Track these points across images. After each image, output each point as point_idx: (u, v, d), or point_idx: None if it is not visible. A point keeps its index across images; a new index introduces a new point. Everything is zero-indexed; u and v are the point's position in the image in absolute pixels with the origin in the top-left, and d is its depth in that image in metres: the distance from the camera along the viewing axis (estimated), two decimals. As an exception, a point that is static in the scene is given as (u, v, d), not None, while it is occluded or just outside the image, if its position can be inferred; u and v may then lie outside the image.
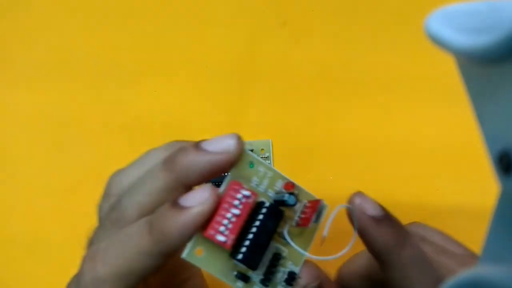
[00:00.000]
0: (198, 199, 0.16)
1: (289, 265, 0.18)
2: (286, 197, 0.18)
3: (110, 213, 0.18)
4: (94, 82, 0.37)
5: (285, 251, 0.18)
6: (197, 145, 0.17)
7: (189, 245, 0.16)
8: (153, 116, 0.36)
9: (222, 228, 0.16)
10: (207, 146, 0.17)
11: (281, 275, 0.18)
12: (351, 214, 0.19)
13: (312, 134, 0.34)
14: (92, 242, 0.19)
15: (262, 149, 0.19)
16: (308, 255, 0.18)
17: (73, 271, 0.33)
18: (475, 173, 0.33)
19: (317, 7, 0.38)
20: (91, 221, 0.34)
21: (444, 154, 0.34)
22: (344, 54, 0.37)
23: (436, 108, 0.35)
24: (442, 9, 0.12)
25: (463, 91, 0.14)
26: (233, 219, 0.16)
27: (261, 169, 0.18)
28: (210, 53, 0.37)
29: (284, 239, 0.18)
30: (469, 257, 0.23)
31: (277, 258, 0.18)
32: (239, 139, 0.17)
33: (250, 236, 0.17)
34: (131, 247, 0.16)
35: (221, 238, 0.16)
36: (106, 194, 0.20)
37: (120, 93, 0.36)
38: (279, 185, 0.18)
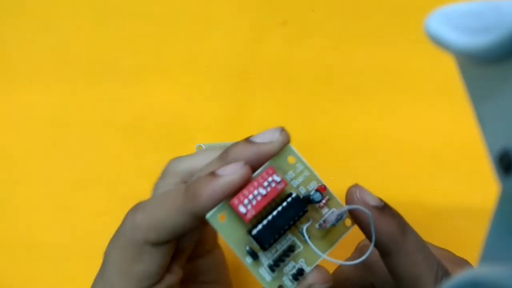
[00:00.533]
0: (230, 170, 0.18)
1: (300, 262, 0.19)
2: (313, 193, 0.19)
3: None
4: (94, 82, 0.37)
5: (300, 247, 0.19)
6: (247, 139, 0.19)
7: (215, 209, 0.18)
8: (153, 115, 0.36)
9: (246, 201, 0.17)
10: (255, 138, 0.19)
11: (289, 268, 0.19)
12: (364, 219, 0.19)
13: (312, 133, 0.35)
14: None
15: (291, 158, 0.20)
16: (324, 256, 0.19)
17: (73, 270, 0.33)
18: (475, 173, 0.33)
19: (317, 6, 0.38)
20: (91, 221, 0.34)
21: (444, 154, 0.34)
22: (344, 54, 0.37)
23: (436, 107, 0.35)
24: (442, 9, 0.12)
25: (463, 91, 0.14)
26: (258, 198, 0.18)
27: (300, 166, 0.19)
28: (210, 53, 0.37)
29: (302, 235, 0.19)
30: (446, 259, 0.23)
31: (291, 250, 0.19)
32: (283, 131, 0.19)
33: (269, 217, 0.18)
34: (168, 203, 0.18)
35: (242, 209, 0.17)
36: (164, 175, 0.22)
37: (120, 93, 0.36)
38: (312, 186, 0.19)
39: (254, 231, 0.18)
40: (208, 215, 0.18)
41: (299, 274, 0.18)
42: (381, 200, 0.19)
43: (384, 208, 0.19)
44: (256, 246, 0.18)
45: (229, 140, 0.33)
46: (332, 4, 0.38)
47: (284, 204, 0.18)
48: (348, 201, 0.19)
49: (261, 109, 0.36)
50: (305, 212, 0.19)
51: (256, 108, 0.36)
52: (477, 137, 0.13)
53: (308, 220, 0.19)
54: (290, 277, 0.18)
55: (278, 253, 0.18)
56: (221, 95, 0.36)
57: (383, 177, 0.33)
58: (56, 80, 0.37)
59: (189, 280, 0.22)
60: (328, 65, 0.36)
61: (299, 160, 0.19)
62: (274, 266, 0.18)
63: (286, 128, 0.19)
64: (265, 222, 0.18)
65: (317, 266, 0.19)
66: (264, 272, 0.18)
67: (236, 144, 0.19)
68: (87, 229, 0.33)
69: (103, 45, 0.38)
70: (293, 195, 0.18)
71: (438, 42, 0.12)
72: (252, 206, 0.17)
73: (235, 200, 0.17)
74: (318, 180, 0.20)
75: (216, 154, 0.20)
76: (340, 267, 0.23)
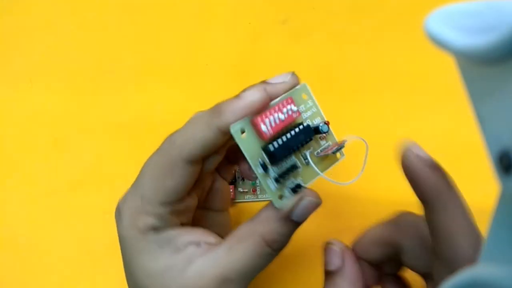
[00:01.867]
0: (251, 92, 0.21)
1: (298, 179, 0.22)
2: (321, 125, 0.22)
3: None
4: (94, 81, 0.37)
5: (300, 168, 0.22)
6: (264, 80, 0.22)
7: (238, 124, 0.20)
8: (153, 114, 0.36)
9: (267, 122, 0.20)
10: (270, 80, 0.22)
11: (289, 183, 0.22)
12: (413, 170, 0.21)
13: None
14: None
15: (304, 95, 0.23)
16: (320, 173, 0.22)
17: (73, 270, 0.33)
18: (475, 172, 0.32)
19: (317, 5, 0.38)
20: (91, 221, 0.34)
21: (444, 154, 0.33)
22: (344, 53, 0.37)
23: (436, 107, 0.35)
24: (442, 9, 0.12)
25: (463, 91, 0.14)
26: (277, 121, 0.21)
27: (310, 103, 0.23)
28: (210, 52, 0.37)
29: (305, 158, 0.22)
30: None
31: (293, 169, 0.22)
32: (293, 74, 0.22)
33: (284, 138, 0.21)
34: (198, 121, 0.21)
35: (263, 128, 0.20)
36: (160, 150, 0.24)
37: (121, 93, 0.36)
38: (317, 121, 0.23)
39: (271, 147, 0.21)
40: (232, 130, 0.20)
41: (297, 187, 0.22)
42: (434, 160, 0.20)
43: (434, 164, 0.20)
44: (267, 161, 0.21)
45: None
46: (332, 2, 0.38)
47: (297, 129, 0.21)
48: (402, 156, 0.21)
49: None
50: (311, 139, 0.22)
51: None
52: (477, 137, 0.13)
53: (309, 148, 0.23)
54: (289, 189, 0.22)
55: (282, 169, 0.22)
56: (221, 94, 0.36)
57: (383, 176, 0.33)
58: (57, 80, 0.37)
59: (199, 224, 0.25)
60: (328, 63, 0.36)
61: (310, 97, 0.23)
62: (279, 178, 0.21)
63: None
64: (280, 141, 0.21)
65: (312, 190, 0.22)
66: (270, 183, 0.21)
67: (252, 85, 0.22)
68: (87, 228, 0.33)
69: (103, 45, 0.38)
70: (305, 124, 0.22)
71: (438, 42, 0.12)
72: (272, 128, 0.20)
73: (258, 119, 0.20)
74: (322, 117, 0.23)
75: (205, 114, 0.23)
76: (372, 228, 0.25)
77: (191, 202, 0.23)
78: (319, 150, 0.23)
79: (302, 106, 0.22)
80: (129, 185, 0.35)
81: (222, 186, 0.26)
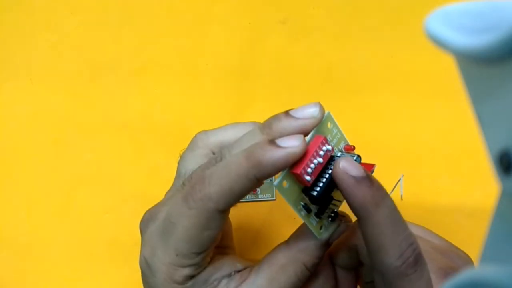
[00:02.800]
0: (293, 143, 0.20)
1: (335, 204, 0.23)
2: (355, 157, 0.22)
3: (212, 157, 0.23)
4: (95, 80, 0.37)
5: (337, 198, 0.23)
6: (287, 113, 0.21)
7: (280, 177, 0.20)
8: (153, 114, 0.36)
9: (309, 170, 0.21)
10: (296, 114, 0.21)
11: (329, 212, 0.23)
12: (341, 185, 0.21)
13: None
14: (190, 178, 0.22)
15: (329, 124, 0.23)
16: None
17: (73, 270, 0.33)
18: (475, 172, 0.33)
19: (317, 4, 0.38)
20: (92, 219, 0.34)
21: (444, 153, 0.34)
22: (344, 52, 0.37)
23: (436, 107, 0.35)
24: (442, 8, 0.12)
25: (463, 91, 0.14)
26: (317, 165, 0.21)
27: (335, 130, 0.23)
28: (210, 51, 0.37)
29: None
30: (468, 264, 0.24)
31: (331, 201, 0.22)
32: (321, 107, 0.21)
33: (324, 180, 0.21)
34: (232, 171, 0.20)
35: (307, 178, 0.20)
36: (192, 147, 0.24)
37: (121, 92, 0.36)
38: (342, 145, 0.23)
39: (314, 193, 0.21)
40: (276, 183, 0.20)
41: (333, 214, 0.22)
42: (365, 171, 0.21)
43: (362, 179, 0.20)
44: (308, 201, 0.22)
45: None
46: (332, 2, 0.38)
47: (332, 166, 0.22)
48: (333, 173, 0.21)
49: (261, 107, 0.36)
50: None
51: (256, 106, 0.36)
52: (477, 137, 0.13)
53: None
54: (328, 219, 0.23)
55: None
56: (221, 93, 0.36)
57: (383, 176, 0.33)
58: (57, 79, 0.37)
59: None
60: (328, 63, 0.36)
61: (334, 125, 0.23)
62: (319, 214, 0.22)
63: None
64: (321, 184, 0.21)
65: (346, 214, 0.23)
66: (312, 220, 0.22)
67: (277, 117, 0.22)
68: (88, 227, 0.33)
69: (103, 44, 0.38)
70: (338, 155, 0.22)
71: (438, 42, 0.12)
72: (313, 173, 0.21)
73: (301, 171, 0.20)
74: (345, 140, 0.23)
75: (243, 128, 0.23)
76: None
77: (219, 236, 0.23)
78: None
79: (329, 136, 0.22)
80: (129, 184, 0.35)
81: None
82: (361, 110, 0.35)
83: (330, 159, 0.22)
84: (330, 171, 0.21)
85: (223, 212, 0.21)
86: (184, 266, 0.22)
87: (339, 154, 0.23)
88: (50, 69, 0.37)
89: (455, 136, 0.34)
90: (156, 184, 0.35)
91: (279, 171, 0.20)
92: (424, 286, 0.20)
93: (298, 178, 0.21)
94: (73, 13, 0.39)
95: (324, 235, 0.22)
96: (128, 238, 0.32)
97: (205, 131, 0.25)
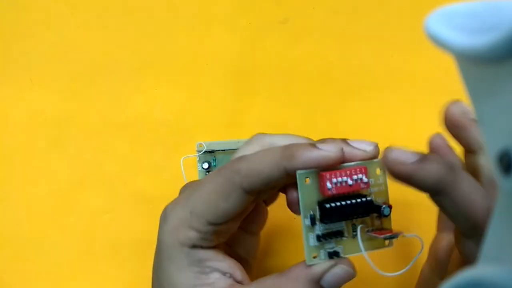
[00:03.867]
0: (329, 147, 0.21)
1: (339, 246, 0.22)
2: (384, 207, 0.22)
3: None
4: (93, 81, 0.37)
5: (346, 238, 0.22)
6: (344, 139, 0.22)
7: (306, 172, 0.21)
8: (153, 114, 0.36)
9: (334, 180, 0.21)
10: (352, 142, 0.22)
11: (329, 246, 0.22)
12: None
13: (312, 131, 0.34)
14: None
15: (378, 170, 0.23)
16: (364, 252, 0.22)
17: (73, 270, 0.33)
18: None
19: (317, 5, 0.38)
20: (92, 220, 0.34)
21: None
22: (344, 53, 0.37)
23: (436, 107, 0.35)
24: (442, 9, 0.12)
25: (463, 91, 0.14)
26: (344, 184, 0.21)
27: (381, 180, 0.23)
28: (210, 51, 0.37)
29: (355, 231, 0.22)
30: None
31: (338, 234, 0.22)
32: (376, 147, 0.22)
33: (344, 202, 0.21)
34: (267, 157, 0.21)
35: (329, 184, 0.21)
36: (251, 142, 0.25)
37: (120, 92, 0.36)
38: (380, 200, 0.23)
39: (328, 205, 0.21)
40: (299, 172, 0.21)
41: (334, 254, 0.22)
42: (417, 153, 0.21)
43: (422, 159, 0.20)
44: (317, 215, 0.21)
45: (229, 138, 0.34)
46: (333, 2, 0.38)
47: (359, 200, 0.21)
48: (383, 157, 0.21)
49: (262, 107, 0.36)
50: (368, 216, 0.22)
51: (256, 106, 0.36)
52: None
53: (363, 223, 0.22)
54: (326, 253, 0.22)
55: (328, 230, 0.22)
56: (221, 93, 0.36)
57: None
58: (57, 79, 0.37)
59: (229, 241, 0.26)
60: (329, 63, 0.36)
61: (383, 175, 0.23)
62: (320, 238, 0.21)
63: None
64: (339, 203, 0.21)
65: (348, 259, 0.22)
66: (311, 237, 0.21)
67: (333, 139, 0.22)
68: (88, 228, 0.33)
69: (103, 44, 0.38)
70: (369, 198, 0.22)
71: (438, 42, 0.12)
72: (336, 187, 0.21)
73: (327, 174, 0.21)
74: (387, 198, 0.23)
75: (300, 140, 0.24)
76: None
77: (233, 226, 0.24)
78: (370, 229, 0.23)
79: (372, 179, 0.22)
80: (129, 184, 0.35)
81: (262, 210, 0.27)
82: (361, 110, 0.35)
83: (360, 196, 0.22)
84: (354, 201, 0.21)
85: (247, 192, 0.22)
86: (192, 228, 0.22)
87: (371, 199, 0.22)
88: (50, 69, 0.37)
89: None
90: (156, 184, 0.35)
91: (309, 169, 0.21)
92: None
93: (321, 182, 0.21)
94: (73, 13, 0.39)
95: (314, 264, 0.21)
96: (128, 238, 0.32)
97: (263, 133, 0.26)
